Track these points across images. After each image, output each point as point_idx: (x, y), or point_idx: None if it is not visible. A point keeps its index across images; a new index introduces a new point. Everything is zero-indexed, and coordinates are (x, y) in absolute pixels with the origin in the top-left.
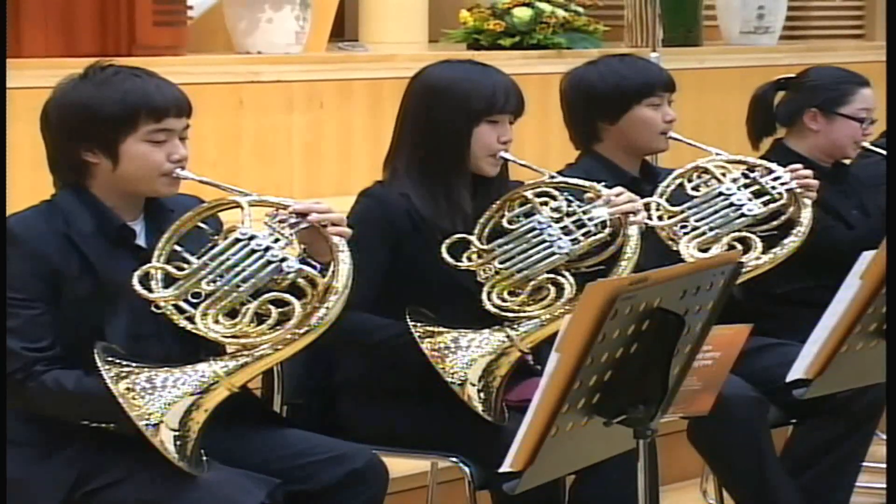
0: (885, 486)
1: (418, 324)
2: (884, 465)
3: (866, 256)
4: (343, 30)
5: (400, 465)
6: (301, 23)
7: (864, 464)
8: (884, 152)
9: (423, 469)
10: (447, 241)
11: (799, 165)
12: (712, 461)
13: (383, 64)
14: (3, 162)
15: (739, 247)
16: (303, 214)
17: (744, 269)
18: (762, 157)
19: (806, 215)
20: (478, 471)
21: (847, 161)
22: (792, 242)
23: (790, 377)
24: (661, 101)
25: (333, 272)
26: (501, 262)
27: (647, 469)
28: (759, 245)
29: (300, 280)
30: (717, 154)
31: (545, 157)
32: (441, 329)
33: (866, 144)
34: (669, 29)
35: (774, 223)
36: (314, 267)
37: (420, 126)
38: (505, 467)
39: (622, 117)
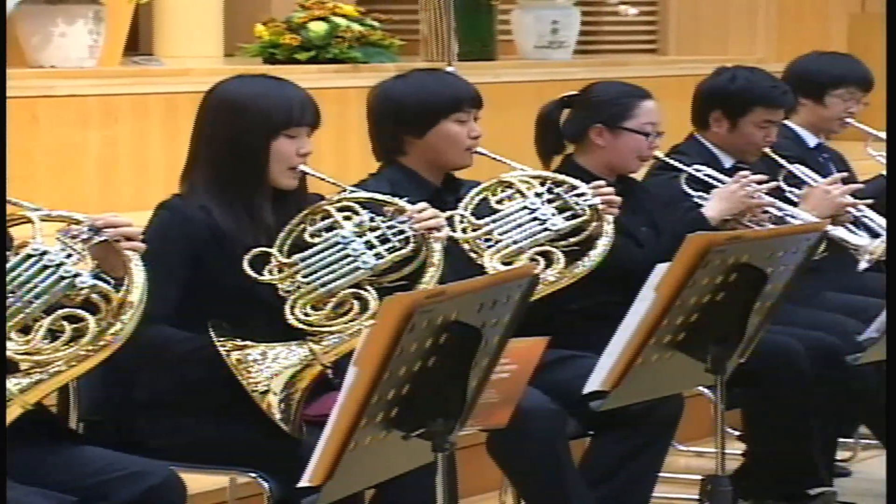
0: (680, 496)
1: (223, 337)
2: (679, 476)
3: (660, 269)
4: (137, 44)
5: (199, 481)
6: (94, 37)
7: (661, 474)
8: (680, 165)
9: (222, 485)
10: (248, 254)
11: (602, 182)
12: (511, 473)
13: (179, 78)
14: (3, 162)
15: (542, 261)
16: (96, 229)
17: (545, 283)
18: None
19: (607, 231)
20: (277, 486)
21: (633, 177)
22: (593, 257)
23: (587, 389)
24: (467, 118)
25: (128, 287)
26: (304, 277)
27: (447, 482)
28: (562, 259)
29: (94, 296)
30: (521, 169)
31: (343, 171)
32: (247, 343)
33: (659, 154)
34: (465, 43)
35: (577, 238)
36: (108, 282)
37: (218, 140)
38: (304, 482)
39: (429, 132)
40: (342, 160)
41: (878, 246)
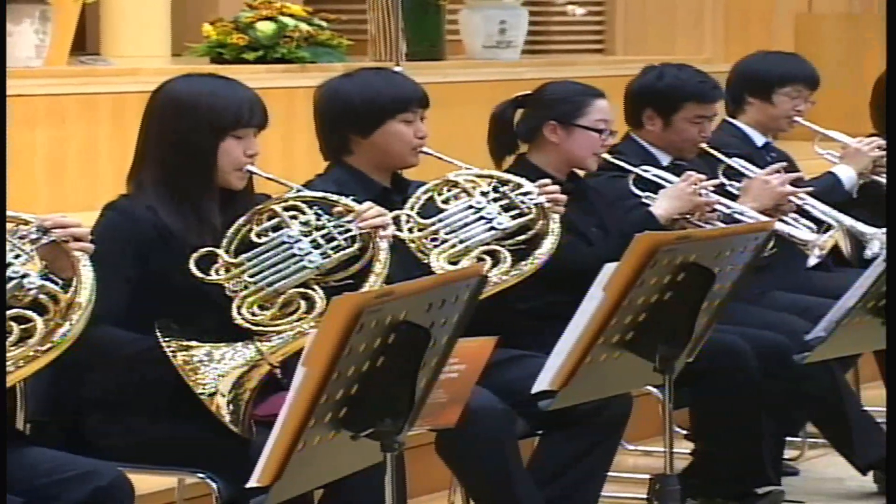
0: (629, 495)
1: (170, 338)
2: (628, 475)
3: (609, 268)
4: (84, 43)
5: (147, 482)
6: (41, 36)
7: (610, 474)
8: (628, 166)
9: (171, 485)
10: (195, 254)
11: (547, 181)
12: (460, 473)
13: (126, 78)
14: (3, 162)
15: (489, 260)
16: (45, 230)
17: (492, 283)
18: (506, 172)
19: (554, 229)
20: (225, 486)
21: (585, 177)
22: (539, 256)
23: (535, 389)
24: (414, 117)
25: (76, 288)
26: (251, 276)
27: (395, 482)
28: (509, 258)
29: (42, 296)
30: (467, 168)
31: (290, 171)
32: (193, 343)
33: (606, 156)
34: (413, 43)
35: (523, 237)
36: (56, 283)
37: (165, 140)
38: (252, 482)
39: (375, 131)
40: (290, 160)
41: (827, 240)
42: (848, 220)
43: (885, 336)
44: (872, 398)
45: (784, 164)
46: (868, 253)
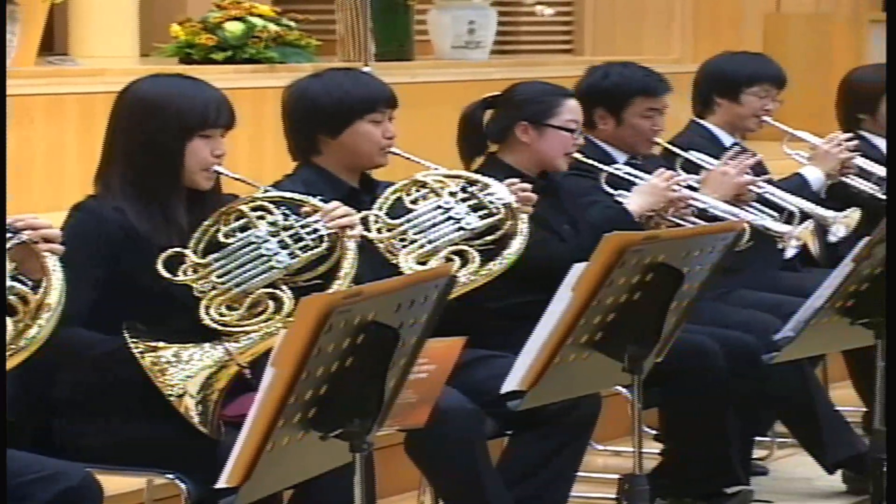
0: (598, 496)
1: (137, 339)
2: (597, 475)
3: (577, 269)
4: (52, 44)
5: (115, 483)
6: (9, 36)
7: (579, 474)
8: (599, 165)
9: (140, 486)
10: (163, 255)
11: (516, 180)
12: (429, 473)
13: (94, 78)
14: (3, 162)
15: (457, 260)
16: (15, 230)
17: (461, 283)
18: (477, 172)
19: (522, 229)
20: (195, 487)
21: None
22: (509, 256)
23: (504, 389)
24: (382, 118)
25: (46, 289)
26: (219, 277)
27: (364, 482)
28: (477, 258)
29: (11, 297)
30: (435, 168)
31: (259, 171)
32: (161, 344)
33: (578, 156)
34: (382, 43)
35: (492, 237)
36: (26, 284)
37: (132, 141)
38: (221, 483)
39: (343, 131)
40: (258, 160)
41: (803, 231)
42: (809, 206)
43: (886, 335)
44: (841, 398)
45: (738, 149)
46: (831, 238)
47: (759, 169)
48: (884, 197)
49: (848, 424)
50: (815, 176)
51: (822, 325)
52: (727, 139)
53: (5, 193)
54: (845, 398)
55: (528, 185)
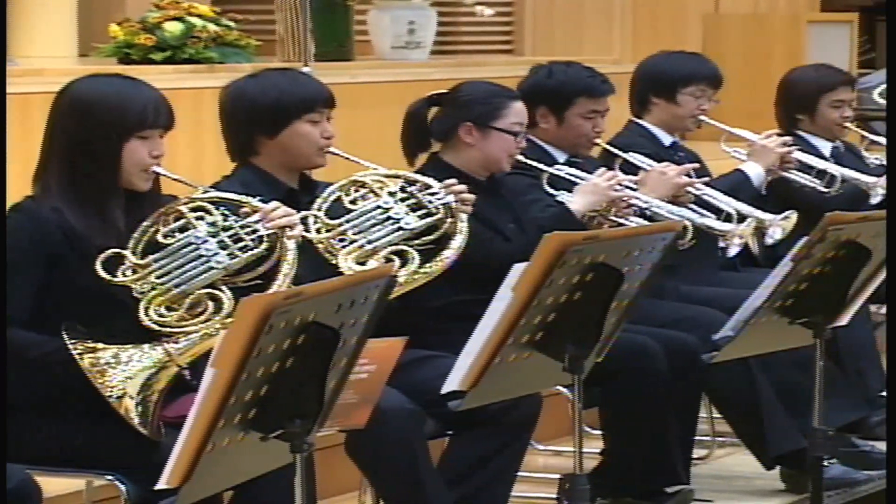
0: (539, 495)
1: (76, 340)
2: (538, 475)
3: (518, 269)
4: None
5: (55, 484)
6: None
7: (520, 473)
8: (540, 166)
9: (79, 487)
10: (101, 256)
11: (454, 181)
12: (370, 474)
13: (32, 78)
14: (3, 162)
15: (397, 260)
16: None
17: (401, 283)
18: (419, 172)
19: (462, 229)
20: (134, 488)
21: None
22: (448, 256)
23: (445, 389)
24: (320, 118)
25: None
26: (158, 277)
27: (305, 483)
28: (417, 258)
29: None
30: (375, 168)
31: (199, 171)
32: (100, 345)
33: (520, 157)
34: (322, 44)
35: (431, 237)
36: None
37: (70, 141)
38: (161, 484)
39: (282, 132)
40: (198, 161)
41: (745, 229)
42: (746, 208)
43: (886, 335)
44: None
45: (696, 165)
46: (768, 240)
47: (700, 172)
48: (825, 190)
49: (790, 419)
50: (755, 172)
51: (762, 325)
52: (666, 139)
53: (5, 193)
54: None
55: (464, 187)
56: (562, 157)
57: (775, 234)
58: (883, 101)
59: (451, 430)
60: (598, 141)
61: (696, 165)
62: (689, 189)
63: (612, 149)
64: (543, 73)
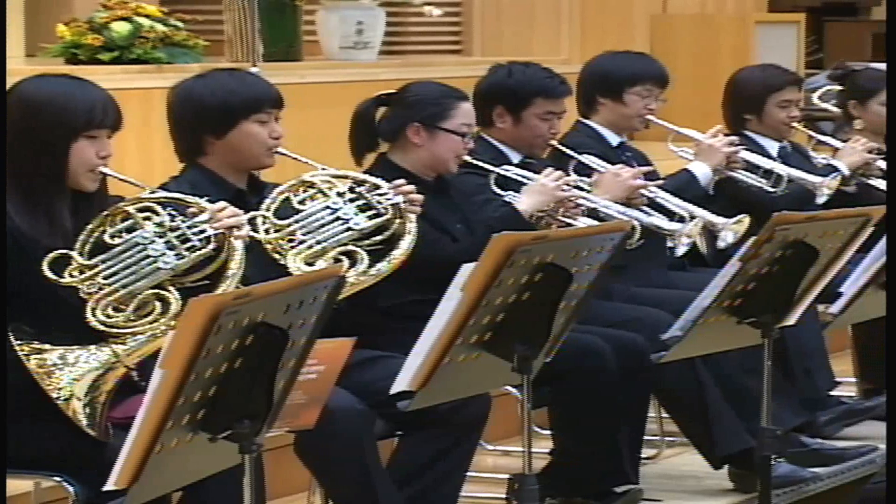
0: (488, 495)
1: (22, 341)
2: (487, 475)
3: (466, 269)
4: None
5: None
6: None
7: (469, 473)
8: (488, 166)
9: (27, 489)
10: (48, 256)
11: (402, 181)
12: (319, 474)
13: None
14: (3, 162)
15: (346, 260)
16: None
17: (350, 283)
18: (367, 172)
19: (411, 229)
20: (82, 490)
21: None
22: (397, 256)
23: (394, 389)
24: (268, 118)
25: None
26: (105, 278)
27: (254, 483)
28: (366, 259)
29: None
30: (323, 169)
31: (147, 172)
32: (46, 346)
33: (467, 158)
34: (270, 44)
35: (380, 237)
36: None
37: (16, 142)
38: (109, 485)
39: (229, 132)
40: (146, 161)
41: (693, 228)
42: (700, 211)
43: (886, 335)
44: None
45: (650, 168)
46: (720, 244)
47: (651, 176)
48: (772, 190)
49: (737, 419)
50: (702, 171)
51: (710, 325)
52: (614, 139)
53: (5, 192)
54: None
55: (412, 187)
56: (516, 158)
57: (727, 237)
58: (822, 104)
59: (401, 431)
60: (553, 142)
61: (651, 168)
62: (643, 191)
63: (563, 148)
64: (503, 72)
